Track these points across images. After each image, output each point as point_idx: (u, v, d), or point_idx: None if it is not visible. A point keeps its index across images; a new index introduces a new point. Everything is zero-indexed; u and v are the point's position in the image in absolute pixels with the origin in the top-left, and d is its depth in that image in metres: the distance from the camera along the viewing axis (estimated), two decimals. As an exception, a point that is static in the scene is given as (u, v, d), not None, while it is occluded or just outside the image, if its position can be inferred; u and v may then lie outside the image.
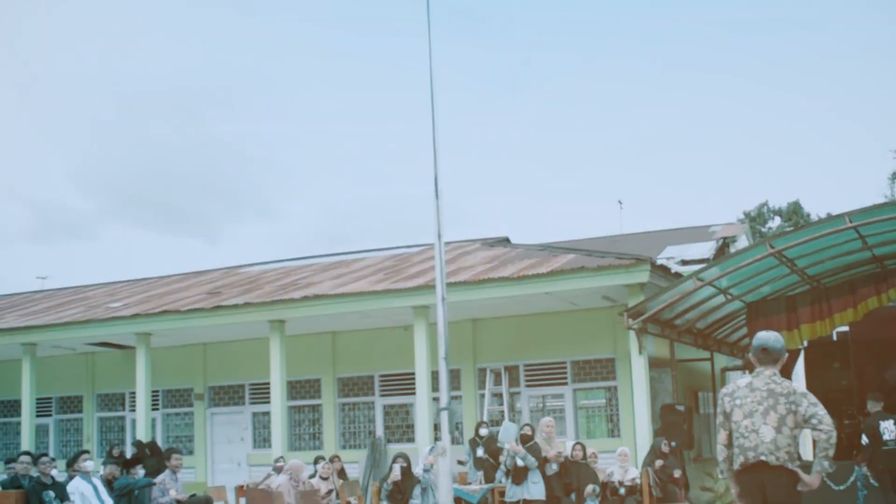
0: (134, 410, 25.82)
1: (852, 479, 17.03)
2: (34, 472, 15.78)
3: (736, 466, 7.50)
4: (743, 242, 31.00)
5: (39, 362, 26.41)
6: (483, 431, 20.29)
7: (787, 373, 20.22)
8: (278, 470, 19.67)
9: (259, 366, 24.10)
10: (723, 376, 25.18)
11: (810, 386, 21.66)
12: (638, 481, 17.78)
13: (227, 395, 27.34)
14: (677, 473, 17.78)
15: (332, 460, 19.92)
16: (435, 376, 20.60)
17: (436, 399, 20.53)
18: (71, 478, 16.06)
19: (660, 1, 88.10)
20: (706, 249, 28.61)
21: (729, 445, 7.59)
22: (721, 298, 19.83)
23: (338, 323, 24.21)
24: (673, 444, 19.05)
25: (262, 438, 26.16)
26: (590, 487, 16.79)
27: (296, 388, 25.99)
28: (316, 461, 19.79)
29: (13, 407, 28.80)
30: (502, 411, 23.45)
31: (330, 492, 18.38)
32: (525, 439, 16.88)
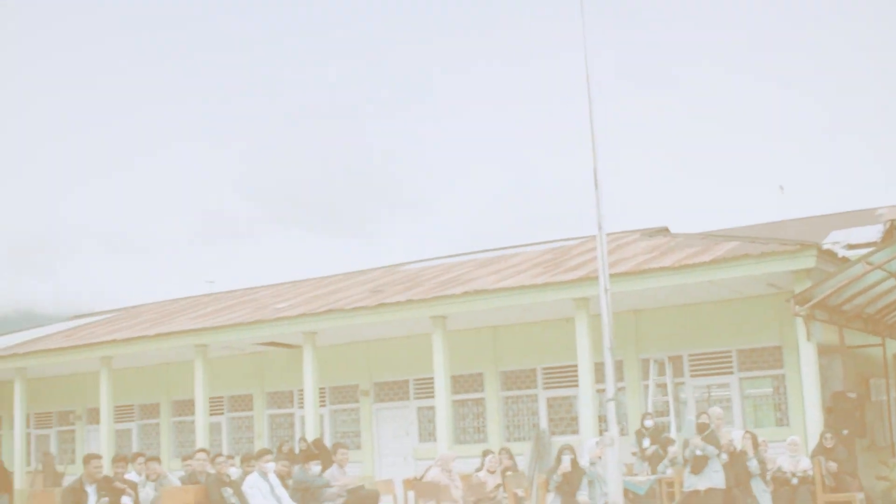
0: (302, 407, 26.38)
1: None
2: (210, 469, 16.28)
3: None
4: (912, 225, 30.06)
5: (211, 363, 27.20)
6: (648, 423, 20.18)
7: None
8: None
9: (422, 361, 24.39)
10: (895, 362, 24.51)
11: None
12: (810, 472, 17.47)
13: (391, 391, 27.74)
14: (833, 467, 17.40)
15: (500, 453, 20.04)
16: (598, 368, 20.63)
17: (600, 391, 20.59)
18: (246, 474, 16.48)
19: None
20: (873, 233, 27.83)
21: None
22: (892, 282, 19.31)
23: (499, 317, 24.34)
24: (844, 432, 18.68)
25: (427, 433, 26.46)
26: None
27: (459, 383, 26.20)
28: (484, 454, 19.95)
29: (187, 406, 29.69)
30: (667, 402, 23.24)
31: (498, 486, 18.52)
32: (702, 428, 16.70)
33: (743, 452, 16.78)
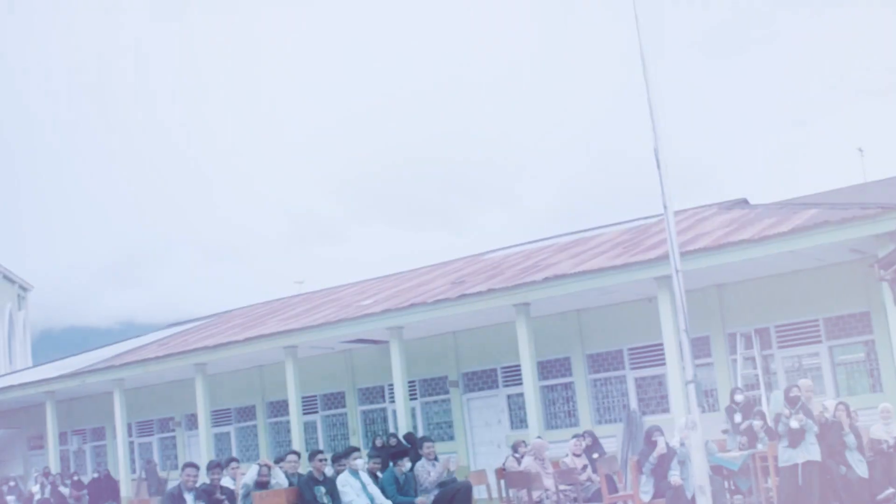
0: (394, 402, 26.66)
1: None
2: (300, 471, 16.56)
3: None
4: None
5: (302, 363, 27.56)
6: (738, 397, 20.05)
7: None
8: (514, 448, 20.08)
9: (509, 349, 24.47)
10: None
11: None
12: (904, 438, 17.22)
13: (480, 381, 27.89)
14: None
15: (583, 436, 20.10)
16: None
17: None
18: (338, 473, 16.73)
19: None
20: (959, 189, 27.35)
21: None
22: (981, 236, 18.93)
23: (582, 300, 24.32)
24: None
25: (518, 419, 26.55)
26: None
27: (546, 368, 26.26)
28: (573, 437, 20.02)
29: (282, 407, 30.16)
30: (757, 375, 23.09)
31: (585, 467, 18.57)
32: (794, 402, 16.55)
33: (837, 424, 16.61)
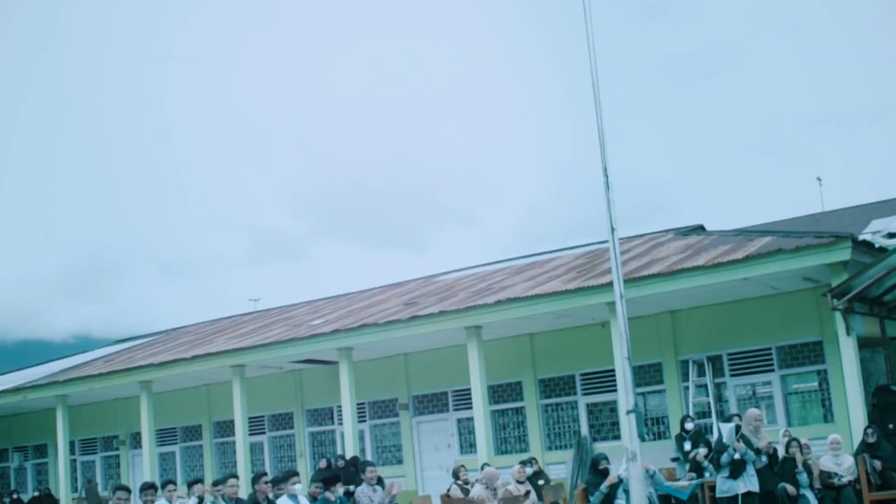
0: (342, 424, 26.20)
1: None
2: (242, 495, 16.08)
3: None
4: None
5: (249, 382, 27.08)
6: (688, 425, 19.79)
7: None
8: (455, 475, 19.75)
9: (460, 372, 24.08)
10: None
11: None
12: (854, 470, 17.00)
13: (431, 404, 27.50)
14: (878, 464, 16.85)
15: (523, 464, 19.78)
16: (637, 372, 20.26)
17: (639, 394, 20.21)
18: (277, 496, 16.29)
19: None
20: (914, 220, 27.28)
21: None
22: (933, 270, 18.79)
23: (534, 324, 24.02)
24: (890, 426, 18.20)
25: (468, 444, 26.15)
26: (789, 488, 16.02)
27: (498, 392, 25.92)
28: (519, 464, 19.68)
29: (229, 427, 29.61)
30: (709, 403, 22.84)
31: (528, 493, 18.23)
32: (735, 430, 16.28)
33: (791, 460, 16.35)
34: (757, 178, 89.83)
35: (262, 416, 30.15)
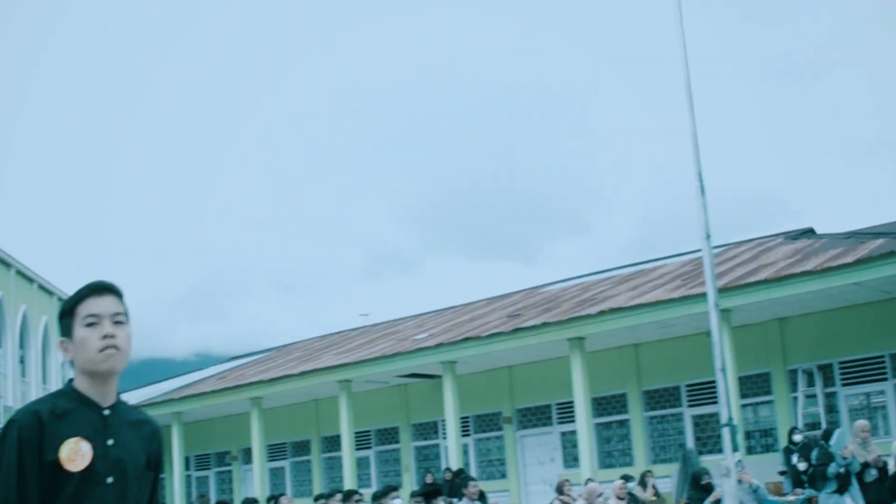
0: (447, 438, 25.99)
1: None
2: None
3: None
4: None
5: (356, 397, 27.07)
6: (797, 437, 19.12)
7: None
8: (560, 490, 19.32)
9: (564, 384, 23.74)
10: None
11: None
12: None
13: (534, 417, 27.14)
14: None
15: (625, 479, 19.29)
16: (742, 382, 19.69)
17: (745, 405, 19.63)
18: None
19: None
20: None
21: None
22: None
23: (639, 334, 23.56)
24: None
25: (572, 458, 25.70)
26: None
27: (602, 405, 25.46)
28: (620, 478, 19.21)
29: (337, 441, 29.61)
30: (819, 414, 22.08)
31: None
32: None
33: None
34: (871, 179, 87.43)
35: (369, 431, 30.11)
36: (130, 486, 3.19)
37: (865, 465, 15.95)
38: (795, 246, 23.79)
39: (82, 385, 3.25)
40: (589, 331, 22.36)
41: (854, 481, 14.93)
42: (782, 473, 19.20)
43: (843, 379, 22.24)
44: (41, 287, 43.08)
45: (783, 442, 20.87)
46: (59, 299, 45.34)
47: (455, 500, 19.63)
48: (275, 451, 32.19)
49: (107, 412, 3.25)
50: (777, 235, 26.50)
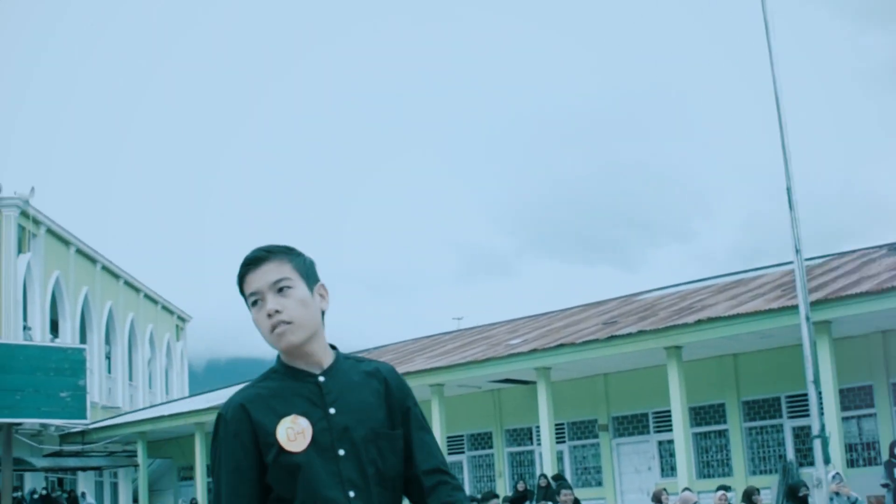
0: (541, 444, 25.92)
1: None
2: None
3: None
4: None
5: (448, 401, 27.08)
6: (900, 452, 18.77)
7: None
8: (658, 499, 19.12)
9: (661, 393, 23.54)
10: None
11: None
12: None
13: (630, 425, 26.96)
14: None
15: (724, 489, 19.09)
16: (843, 394, 19.35)
17: (847, 418, 19.29)
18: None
19: None
20: None
21: None
22: None
23: (738, 344, 23.30)
24: None
25: (669, 467, 25.53)
26: None
27: (700, 414, 25.21)
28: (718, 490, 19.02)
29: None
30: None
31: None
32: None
33: None
34: None
35: (461, 435, 30.11)
36: (367, 452, 2.85)
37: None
38: (900, 257, 23.39)
39: (288, 357, 2.95)
40: (686, 340, 22.15)
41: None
42: (885, 486, 18.86)
43: (950, 393, 21.83)
44: (127, 283, 43.80)
45: (885, 455, 20.50)
46: (146, 296, 46.15)
47: (549, 505, 19.58)
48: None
49: (321, 379, 2.93)
50: (881, 247, 26.05)
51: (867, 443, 22.45)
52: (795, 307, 20.33)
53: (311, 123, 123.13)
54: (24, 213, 34.03)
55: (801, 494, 15.84)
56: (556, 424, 25.50)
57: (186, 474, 37.90)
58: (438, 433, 26.47)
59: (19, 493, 29.18)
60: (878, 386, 22.38)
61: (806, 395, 23.08)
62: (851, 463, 21.92)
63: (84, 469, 37.13)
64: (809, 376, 12.49)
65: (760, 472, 24.18)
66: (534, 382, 25.25)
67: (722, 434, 25.20)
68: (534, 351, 24.61)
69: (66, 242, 37.62)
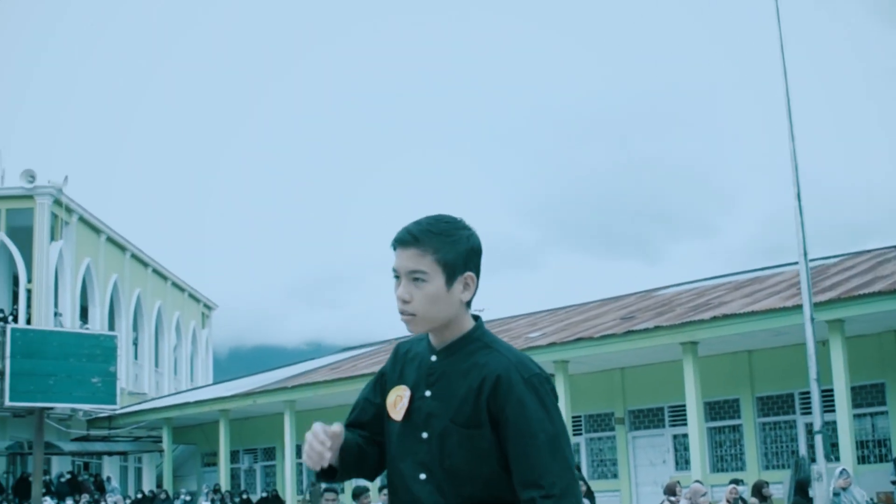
0: (558, 436, 26.31)
1: None
2: None
3: None
4: None
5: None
6: (910, 448, 19.20)
7: None
8: (672, 492, 19.48)
9: (677, 388, 23.97)
10: None
11: None
12: None
13: (646, 419, 27.39)
14: None
15: (736, 482, 19.49)
16: (856, 392, 19.76)
17: (859, 415, 19.70)
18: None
19: None
20: None
21: None
22: None
23: (753, 341, 23.70)
24: None
25: (683, 461, 25.95)
26: None
27: (714, 409, 25.64)
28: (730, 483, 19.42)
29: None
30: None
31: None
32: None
33: None
34: None
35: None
36: (445, 444, 2.85)
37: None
38: (915, 257, 23.76)
39: None
40: (701, 336, 22.57)
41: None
42: (895, 483, 19.28)
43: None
44: (155, 271, 44.43)
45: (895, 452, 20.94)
46: (173, 284, 46.78)
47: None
48: (386, 443, 32.79)
49: (433, 358, 2.95)
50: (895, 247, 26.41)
51: (879, 440, 22.82)
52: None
53: (330, 118, 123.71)
54: (57, 202, 34.74)
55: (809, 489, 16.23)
56: (574, 417, 25.95)
57: (210, 460, 38.49)
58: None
59: (47, 477, 29.79)
60: (890, 384, 22.76)
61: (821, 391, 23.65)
62: (862, 459, 22.29)
63: (110, 454, 37.82)
64: (812, 374, 12.90)
65: (773, 467, 24.61)
66: (552, 375, 25.68)
67: (736, 429, 25.63)
68: (552, 344, 25.04)
69: (96, 230, 38.32)
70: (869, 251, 27.34)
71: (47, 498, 29.26)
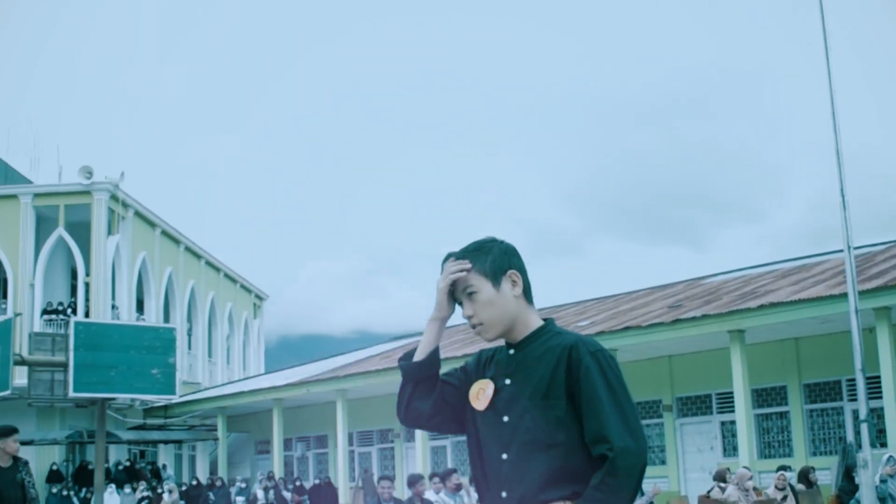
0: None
1: None
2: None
3: None
4: None
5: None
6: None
7: None
8: (722, 478, 19.82)
9: (724, 375, 24.26)
10: None
11: None
12: None
13: (694, 406, 27.69)
14: None
15: (784, 468, 19.78)
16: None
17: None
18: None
19: None
20: None
21: None
22: None
23: (799, 329, 23.93)
24: None
25: (731, 447, 26.24)
26: None
27: (762, 396, 25.90)
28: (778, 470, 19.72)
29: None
30: None
31: (784, 498, 18.29)
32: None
33: None
34: None
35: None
36: (524, 421, 3.19)
37: None
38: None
39: None
40: (748, 324, 22.82)
41: None
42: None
43: None
44: (208, 263, 45.14)
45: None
46: (226, 275, 47.49)
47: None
48: (436, 431, 33.20)
49: (511, 352, 3.33)
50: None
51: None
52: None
53: (384, 106, 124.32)
54: (113, 197, 35.48)
55: (854, 475, 16.49)
56: (626, 405, 26.21)
57: (263, 448, 39.20)
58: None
59: (106, 465, 30.48)
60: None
61: (866, 378, 23.81)
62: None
63: (166, 442, 38.60)
64: (858, 364, 13.16)
65: (821, 454, 24.86)
66: (603, 362, 25.96)
67: (783, 416, 25.88)
68: (601, 333, 25.35)
69: (152, 224, 39.05)
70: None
71: (109, 485, 30.02)
